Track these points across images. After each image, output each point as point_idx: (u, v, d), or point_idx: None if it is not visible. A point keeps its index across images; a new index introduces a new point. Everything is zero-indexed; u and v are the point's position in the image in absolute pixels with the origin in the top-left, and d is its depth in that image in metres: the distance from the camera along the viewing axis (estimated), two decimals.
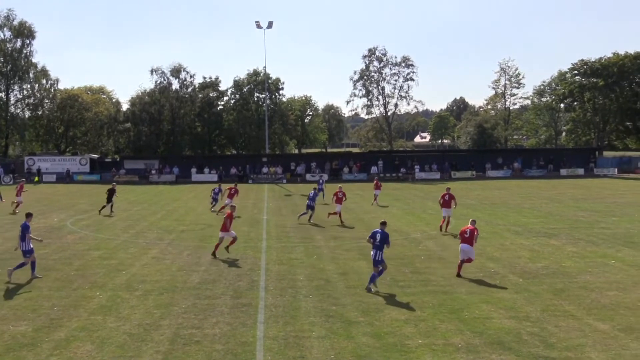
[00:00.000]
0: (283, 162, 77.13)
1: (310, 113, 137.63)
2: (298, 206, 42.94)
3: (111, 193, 38.06)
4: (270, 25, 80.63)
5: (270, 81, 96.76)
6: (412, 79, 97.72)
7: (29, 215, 19.97)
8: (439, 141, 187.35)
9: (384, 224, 18.38)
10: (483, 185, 60.97)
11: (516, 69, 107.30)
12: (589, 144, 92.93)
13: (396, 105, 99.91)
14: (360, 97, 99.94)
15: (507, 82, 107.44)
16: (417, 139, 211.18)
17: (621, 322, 14.81)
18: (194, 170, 74.72)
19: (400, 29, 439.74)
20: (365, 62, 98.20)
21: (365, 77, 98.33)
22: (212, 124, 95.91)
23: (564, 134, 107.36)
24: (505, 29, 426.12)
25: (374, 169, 75.01)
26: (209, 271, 20.68)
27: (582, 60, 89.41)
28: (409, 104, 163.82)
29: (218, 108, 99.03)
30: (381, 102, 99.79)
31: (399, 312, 15.78)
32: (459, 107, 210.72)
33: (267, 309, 16.09)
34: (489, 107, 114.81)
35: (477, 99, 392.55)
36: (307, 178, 73.28)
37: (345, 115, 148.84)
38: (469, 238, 19.79)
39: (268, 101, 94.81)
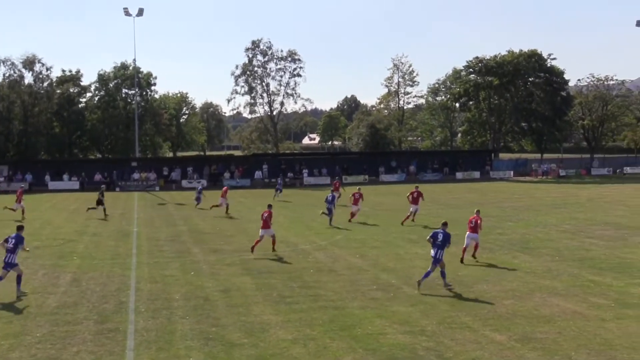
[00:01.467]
0: (156, 167, 75.61)
1: (187, 112, 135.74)
2: (173, 216, 42.18)
3: None
4: (140, 12, 78.86)
5: (140, 76, 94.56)
6: (299, 75, 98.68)
7: (21, 228, 20.54)
8: (329, 143, 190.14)
9: (445, 224, 21.21)
10: (376, 190, 62.49)
11: (410, 66, 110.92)
12: (485, 145, 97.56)
13: (282, 103, 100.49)
14: (243, 95, 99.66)
15: (400, 79, 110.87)
16: (306, 141, 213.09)
17: (517, 332, 15.62)
18: (48, 177, 71.64)
19: (286, 21, 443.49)
20: (248, 56, 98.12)
21: (248, 73, 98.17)
22: (73, 123, 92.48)
23: (459, 135, 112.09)
24: (399, 24, 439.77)
25: (258, 174, 75.09)
26: (68, 293, 19.87)
27: (477, 58, 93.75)
28: (296, 102, 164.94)
29: (80, 106, 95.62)
30: (266, 100, 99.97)
31: (286, 331, 15.84)
32: (351, 106, 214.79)
33: (137, 333, 15.67)
34: (382, 106, 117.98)
35: (370, 97, 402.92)
36: (183, 185, 72.18)
37: (226, 115, 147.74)
38: (474, 227, 24.75)
39: (138, 98, 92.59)
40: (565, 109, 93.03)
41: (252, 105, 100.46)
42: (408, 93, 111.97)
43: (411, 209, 36.50)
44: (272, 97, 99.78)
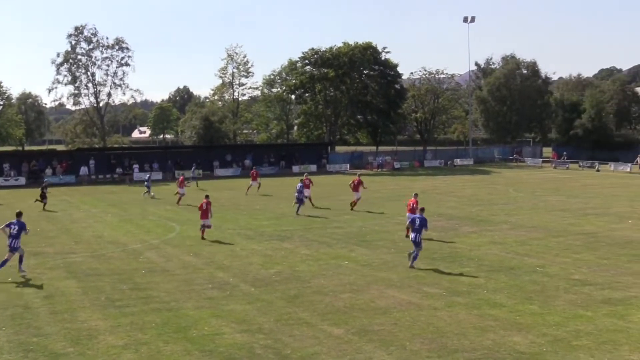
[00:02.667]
0: None
1: (2, 103, 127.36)
2: None
3: None
4: None
5: None
6: (127, 64, 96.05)
7: (21, 214, 22.80)
8: (161, 136, 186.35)
9: (422, 210, 24.13)
10: (212, 185, 62.06)
11: (245, 56, 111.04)
12: (321, 138, 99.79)
13: (109, 94, 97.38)
14: (66, 85, 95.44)
15: (235, 70, 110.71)
16: (136, 134, 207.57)
17: (355, 325, 16.19)
18: None
19: (113, 6, 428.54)
20: (70, 43, 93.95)
21: (71, 61, 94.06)
22: None
23: (295, 127, 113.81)
24: (234, 12, 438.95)
25: (83, 170, 72.08)
26: None
27: (313, 49, 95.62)
28: (124, 93, 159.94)
29: None
30: (91, 90, 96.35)
31: (116, 337, 15.40)
32: (183, 98, 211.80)
33: None
34: (216, 97, 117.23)
35: (203, 88, 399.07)
36: None
37: (48, 106, 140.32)
38: (412, 209, 28.17)
39: None
40: (399, 101, 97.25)
41: (76, 96, 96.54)
42: (243, 84, 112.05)
43: (355, 197, 39.90)
44: (98, 88, 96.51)
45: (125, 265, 23.85)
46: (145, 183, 53.12)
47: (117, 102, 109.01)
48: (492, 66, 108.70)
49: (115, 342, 15.06)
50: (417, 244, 22.99)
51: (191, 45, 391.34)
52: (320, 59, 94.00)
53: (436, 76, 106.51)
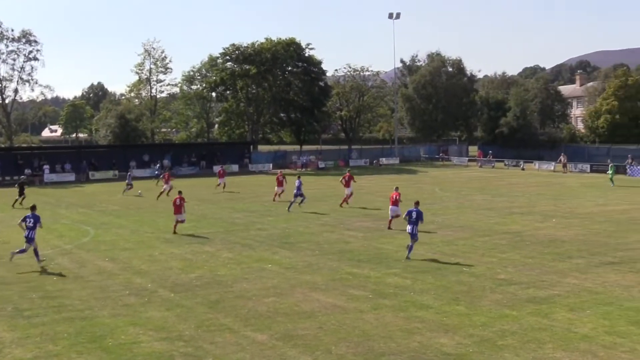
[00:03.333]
0: None
1: None
2: None
3: None
4: None
5: None
6: (36, 59, 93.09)
7: (35, 208, 25.30)
8: (74, 135, 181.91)
9: (417, 203, 25.56)
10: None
11: (162, 52, 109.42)
12: (243, 137, 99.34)
13: (16, 90, 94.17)
14: None
15: (152, 66, 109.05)
16: (46, 133, 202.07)
17: (279, 330, 16.19)
18: None
19: None
20: None
21: None
22: None
23: (216, 126, 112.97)
24: (150, 4, 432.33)
25: None
26: None
27: (234, 44, 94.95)
28: (33, 89, 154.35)
29: None
30: None
31: (24, 349, 14.96)
32: (97, 95, 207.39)
33: None
34: (133, 94, 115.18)
35: (119, 84, 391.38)
36: None
37: None
38: (396, 201, 31.80)
39: None
40: (323, 99, 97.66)
41: None
42: (161, 81, 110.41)
43: (346, 192, 41.96)
44: (4, 83, 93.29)
45: (35, 272, 23.19)
46: (127, 180, 54.31)
47: (25, 98, 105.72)
48: (418, 63, 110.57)
49: (23, 355, 14.62)
50: (413, 235, 25.02)
51: (106, 39, 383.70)
52: (241, 55, 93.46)
53: (361, 73, 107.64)
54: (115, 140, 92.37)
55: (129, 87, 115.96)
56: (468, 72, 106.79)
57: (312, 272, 22.84)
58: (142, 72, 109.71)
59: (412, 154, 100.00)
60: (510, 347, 14.83)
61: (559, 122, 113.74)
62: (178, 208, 32.24)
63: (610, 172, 58.54)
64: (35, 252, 24.50)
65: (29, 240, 24.23)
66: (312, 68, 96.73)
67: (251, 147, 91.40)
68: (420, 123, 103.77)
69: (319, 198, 47.02)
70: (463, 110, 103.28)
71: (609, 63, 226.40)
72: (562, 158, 75.79)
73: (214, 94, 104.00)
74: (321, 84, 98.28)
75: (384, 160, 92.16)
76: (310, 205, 42.45)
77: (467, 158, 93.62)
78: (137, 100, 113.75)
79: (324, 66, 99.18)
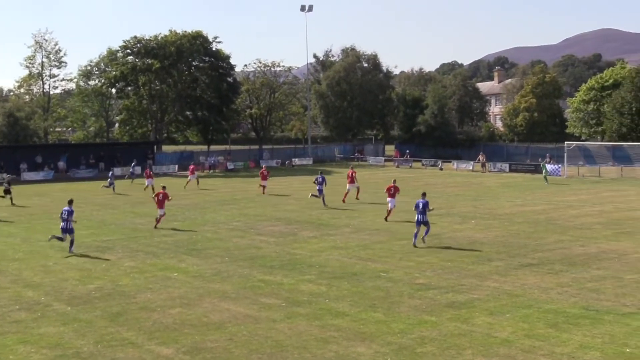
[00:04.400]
0: None
1: None
2: None
3: None
4: None
5: None
6: None
7: (72, 202, 29.17)
8: None
9: (424, 195, 29.42)
10: (18, 191, 59.05)
11: (56, 44, 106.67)
12: (147, 136, 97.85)
13: None
14: None
15: (45, 59, 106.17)
16: None
17: (186, 344, 16.01)
18: None
19: None
20: None
21: None
22: None
23: (117, 125, 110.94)
24: None
25: None
26: None
27: (136, 37, 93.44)
28: None
29: None
30: None
31: None
32: None
33: None
34: (23, 90, 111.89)
35: (7, 79, 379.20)
36: None
37: None
38: (392, 194, 36.31)
39: None
40: (232, 96, 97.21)
41: None
42: (55, 76, 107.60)
43: (348, 187, 45.83)
44: None
45: None
46: (109, 180, 56.53)
47: None
48: (332, 59, 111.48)
49: None
50: (425, 222, 28.59)
51: None
52: (143, 49, 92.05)
53: (272, 69, 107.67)
54: (4, 140, 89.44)
55: (18, 82, 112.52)
56: (384, 68, 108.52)
57: (222, 280, 22.69)
58: (33, 66, 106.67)
59: (326, 154, 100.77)
60: (430, 354, 15.10)
61: (477, 120, 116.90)
62: (160, 203, 34.78)
63: (544, 171, 61.31)
64: (71, 242, 28.05)
65: (66, 230, 28.08)
66: (219, 63, 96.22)
67: (155, 147, 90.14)
68: (335, 121, 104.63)
69: (228, 201, 46.76)
70: (379, 108, 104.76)
71: (526, 59, 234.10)
72: (481, 157, 77.92)
73: (113, 90, 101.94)
74: (230, 80, 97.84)
75: (296, 161, 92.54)
76: (216, 209, 42.20)
77: (383, 158, 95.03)
78: (27, 96, 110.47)
79: (232, 61, 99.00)
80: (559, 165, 66.51)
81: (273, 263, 25.43)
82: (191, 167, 61.57)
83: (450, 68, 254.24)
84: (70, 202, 28.96)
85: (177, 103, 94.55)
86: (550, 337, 16.19)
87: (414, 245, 28.20)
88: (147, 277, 23.36)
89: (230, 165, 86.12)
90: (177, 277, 23.30)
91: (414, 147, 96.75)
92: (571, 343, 15.70)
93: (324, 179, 44.22)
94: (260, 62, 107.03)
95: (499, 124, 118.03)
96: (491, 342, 15.83)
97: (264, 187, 52.20)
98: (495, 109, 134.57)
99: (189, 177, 59.45)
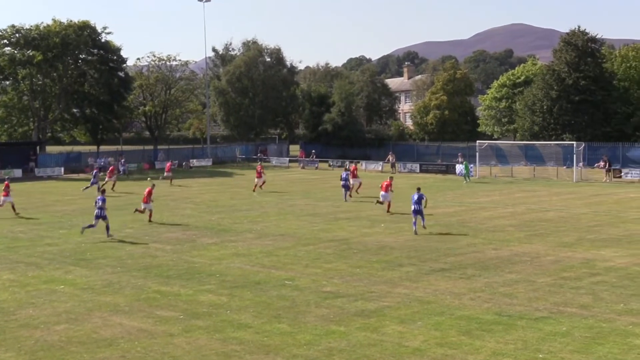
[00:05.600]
0: None
1: None
2: None
3: None
4: None
5: None
6: None
7: (104, 192, 35.96)
8: None
9: (419, 189, 34.42)
10: None
11: None
12: (28, 136, 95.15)
13: None
14: None
15: None
16: None
17: None
18: None
19: None
20: None
21: None
22: None
23: None
24: None
25: None
26: None
27: (14, 26, 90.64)
28: None
29: None
30: None
31: None
32: None
33: None
34: None
35: None
36: None
37: None
38: (385, 188, 41.65)
39: None
40: (124, 92, 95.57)
41: None
42: None
43: (352, 182, 50.15)
44: None
45: None
46: (92, 180, 57.14)
47: None
48: (232, 52, 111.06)
49: None
50: (420, 212, 33.55)
51: None
52: (23, 39, 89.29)
53: (168, 63, 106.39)
54: None
55: None
56: (288, 63, 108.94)
57: (113, 292, 22.30)
58: None
59: (227, 155, 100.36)
60: None
61: (386, 118, 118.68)
62: (146, 198, 38.60)
63: (465, 170, 63.39)
64: (107, 227, 33.32)
65: (99, 217, 33.16)
66: (110, 56, 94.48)
67: (38, 148, 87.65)
68: (236, 120, 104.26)
69: (120, 206, 45.96)
70: (283, 105, 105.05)
71: (436, 54, 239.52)
72: (390, 157, 79.13)
73: None
74: (121, 74, 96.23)
75: (194, 162, 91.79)
76: (110, 215, 41.50)
77: (288, 158, 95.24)
78: None
79: (124, 54, 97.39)
80: (471, 165, 68.13)
81: (170, 272, 25.15)
82: (169, 165, 67.57)
83: (357, 63, 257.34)
84: (103, 192, 35.39)
85: (63, 99, 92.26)
86: (463, 344, 16.56)
87: (415, 234, 32.78)
88: (29, 291, 22.72)
89: (122, 167, 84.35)
90: (64, 290, 22.76)
91: (320, 147, 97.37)
92: (484, 350, 16.11)
93: (347, 175, 49.28)
94: (154, 56, 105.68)
95: (409, 123, 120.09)
96: (402, 352, 16.07)
97: (257, 184, 55.20)
98: (405, 107, 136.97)
99: (165, 174, 65.50)
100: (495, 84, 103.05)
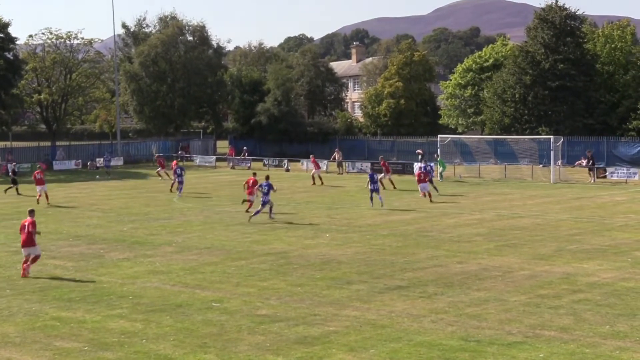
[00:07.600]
0: None
1: None
2: None
3: None
4: None
5: None
6: None
7: (268, 177, 43.56)
8: None
9: (267, 177, 42.25)
10: None
11: None
12: None
13: None
14: None
15: None
16: None
17: None
18: None
19: None
20: None
21: None
22: None
23: None
24: None
25: None
26: None
27: None
28: None
29: None
30: None
31: None
32: None
33: None
34: None
35: None
36: None
37: None
38: (423, 179, 50.85)
39: None
40: (12, 77, 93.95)
41: None
42: None
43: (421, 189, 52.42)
44: None
45: None
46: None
47: None
48: (146, 30, 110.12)
49: None
50: (377, 190, 46.56)
51: None
52: None
53: (67, 42, 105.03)
54: None
55: None
56: (214, 43, 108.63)
57: (1, 320, 21.95)
58: None
59: (141, 153, 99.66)
60: None
61: (332, 108, 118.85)
62: (251, 189, 44.30)
63: (441, 167, 65.21)
64: (270, 209, 41.77)
65: (265, 203, 41.22)
66: None
67: None
68: (151, 110, 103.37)
69: (8, 216, 45.30)
70: (209, 93, 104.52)
71: (390, 33, 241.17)
72: (337, 155, 79.22)
73: None
74: (9, 55, 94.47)
75: (102, 162, 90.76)
76: None
77: (214, 157, 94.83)
78: None
79: (12, 31, 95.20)
80: (431, 164, 68.54)
81: (72, 295, 24.84)
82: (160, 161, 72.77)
83: (297, 43, 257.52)
84: (267, 177, 42.55)
85: None
86: None
87: (371, 207, 42.00)
88: None
89: (15, 168, 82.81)
90: None
91: (254, 143, 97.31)
92: None
93: (373, 174, 50.72)
94: (51, 33, 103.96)
95: (358, 114, 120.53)
96: None
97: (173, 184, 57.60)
98: (354, 95, 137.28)
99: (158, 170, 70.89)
100: (459, 68, 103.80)
